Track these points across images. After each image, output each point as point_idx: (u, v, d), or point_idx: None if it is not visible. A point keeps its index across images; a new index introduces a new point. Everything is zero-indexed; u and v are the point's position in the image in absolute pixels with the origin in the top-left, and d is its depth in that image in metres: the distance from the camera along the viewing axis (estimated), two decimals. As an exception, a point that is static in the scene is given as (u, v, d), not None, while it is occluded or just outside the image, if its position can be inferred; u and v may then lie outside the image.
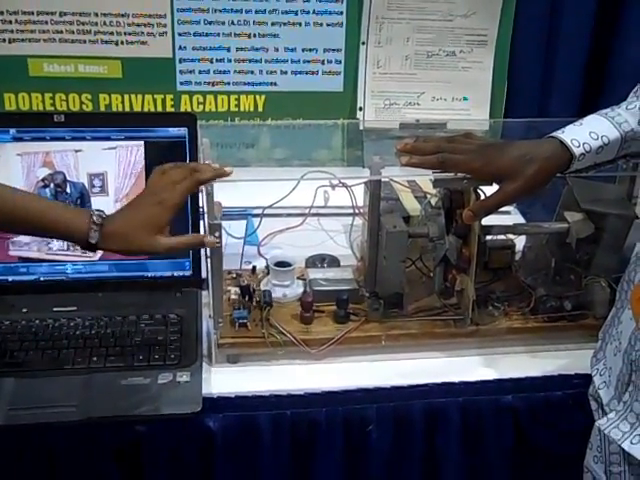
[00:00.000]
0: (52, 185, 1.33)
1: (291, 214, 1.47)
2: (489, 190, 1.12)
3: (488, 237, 1.25)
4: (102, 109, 1.61)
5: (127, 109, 1.62)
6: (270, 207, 1.39)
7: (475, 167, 1.09)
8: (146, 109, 1.62)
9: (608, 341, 1.05)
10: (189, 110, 1.63)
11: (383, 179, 1.24)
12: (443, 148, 1.11)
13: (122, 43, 1.57)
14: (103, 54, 1.57)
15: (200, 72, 1.61)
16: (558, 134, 1.06)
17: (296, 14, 1.59)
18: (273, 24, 1.59)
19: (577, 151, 1.04)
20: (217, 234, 1.13)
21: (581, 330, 1.23)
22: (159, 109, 1.62)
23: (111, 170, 1.33)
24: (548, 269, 1.26)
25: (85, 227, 1.00)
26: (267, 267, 1.30)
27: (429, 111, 1.66)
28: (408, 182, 1.44)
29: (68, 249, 1.32)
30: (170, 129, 1.32)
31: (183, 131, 1.30)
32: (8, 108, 1.59)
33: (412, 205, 1.41)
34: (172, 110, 1.63)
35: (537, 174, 1.06)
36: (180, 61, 1.60)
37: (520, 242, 1.32)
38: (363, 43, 1.63)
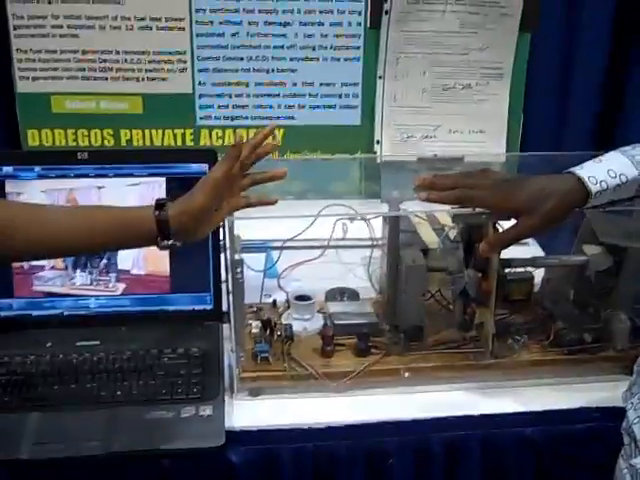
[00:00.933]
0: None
1: (309, 247, 1.48)
2: (508, 224, 1.14)
3: (507, 270, 1.26)
4: (123, 144, 1.64)
5: (148, 144, 1.64)
6: (290, 240, 1.41)
7: (493, 203, 1.10)
8: (166, 144, 1.64)
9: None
10: (208, 144, 1.66)
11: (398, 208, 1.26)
12: (461, 184, 1.12)
13: (143, 79, 1.60)
14: (124, 90, 1.61)
15: (219, 107, 1.64)
16: (576, 170, 1.07)
17: (314, 49, 1.62)
18: (291, 59, 1.62)
19: (594, 188, 1.04)
20: (239, 270, 1.15)
21: (601, 363, 1.23)
22: (179, 144, 1.65)
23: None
24: (567, 301, 1.27)
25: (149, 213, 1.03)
26: (288, 301, 1.31)
27: (446, 144, 1.67)
28: (426, 214, 1.45)
29: (91, 284, 1.34)
30: (191, 165, 1.34)
31: (204, 167, 1.32)
32: (31, 144, 1.62)
33: (430, 238, 1.41)
34: (192, 144, 1.66)
35: (554, 209, 1.06)
36: (200, 96, 1.63)
37: (539, 275, 1.33)
38: (380, 77, 1.65)
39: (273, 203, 1.13)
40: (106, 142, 1.63)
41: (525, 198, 1.08)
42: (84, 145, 1.63)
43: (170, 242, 1.04)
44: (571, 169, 1.08)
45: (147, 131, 1.64)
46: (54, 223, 1.04)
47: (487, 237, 1.15)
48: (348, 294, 1.38)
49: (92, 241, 1.05)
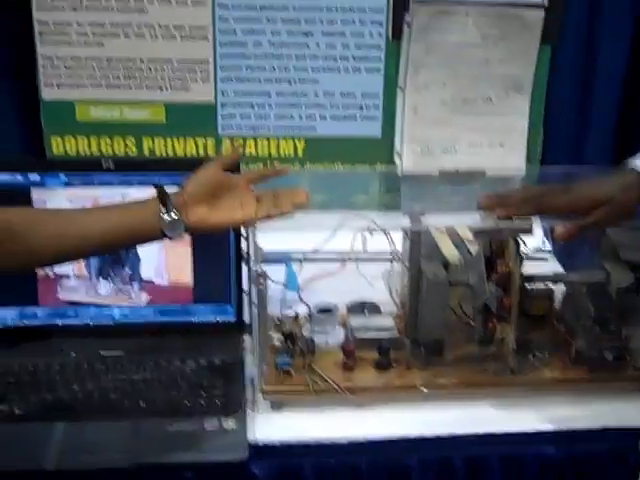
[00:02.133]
0: (99, 229, 1.36)
1: (330, 259, 1.49)
2: (528, 238, 1.17)
3: (528, 285, 1.27)
4: (146, 153, 1.65)
5: (170, 153, 1.65)
6: (311, 253, 1.42)
7: (572, 201, 1.15)
8: (188, 153, 1.65)
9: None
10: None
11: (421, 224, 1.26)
12: (530, 194, 1.17)
13: (166, 88, 1.61)
14: (147, 99, 1.61)
15: (241, 117, 1.65)
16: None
17: (335, 60, 1.62)
18: (313, 70, 1.62)
19: None
20: (261, 281, 1.15)
21: (623, 381, 1.24)
22: (201, 153, 1.66)
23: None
24: (588, 318, 1.27)
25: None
26: (310, 314, 1.32)
27: (466, 157, 1.68)
28: (446, 228, 1.45)
29: (114, 293, 1.35)
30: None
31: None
32: (55, 152, 1.63)
33: (450, 251, 1.42)
34: (214, 154, 1.66)
35: (630, 200, 1.12)
36: (222, 106, 1.63)
37: (559, 291, 1.33)
38: (401, 88, 1.65)
39: (291, 214, 1.14)
40: (129, 150, 1.64)
41: (605, 189, 1.13)
42: (107, 153, 1.64)
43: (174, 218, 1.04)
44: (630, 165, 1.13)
45: (169, 140, 1.65)
46: (56, 228, 1.04)
47: (510, 253, 1.17)
48: (369, 307, 1.39)
49: (99, 244, 1.05)
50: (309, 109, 1.65)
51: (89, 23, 1.54)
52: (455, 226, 1.43)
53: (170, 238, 1.05)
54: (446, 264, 1.35)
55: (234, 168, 1.14)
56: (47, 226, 1.03)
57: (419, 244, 1.27)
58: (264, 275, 1.17)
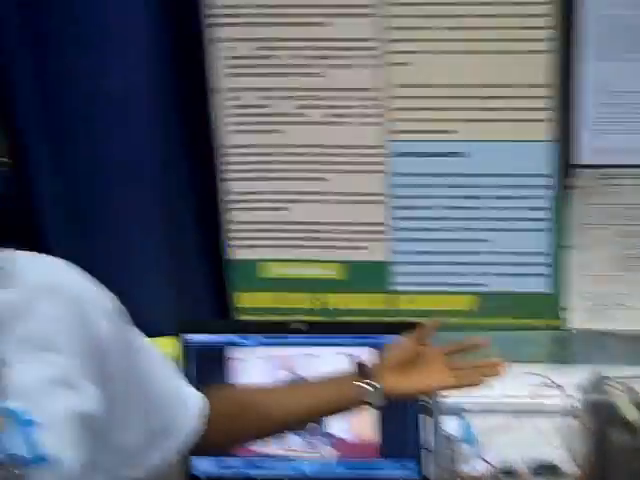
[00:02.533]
0: (290, 386, 1.45)
1: (504, 411, 1.52)
2: None
3: None
4: (322, 308, 1.75)
5: (346, 307, 1.75)
6: (486, 405, 1.46)
7: None
8: (363, 307, 1.74)
9: None
10: (402, 308, 1.75)
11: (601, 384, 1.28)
12: None
13: (344, 248, 1.72)
14: (327, 258, 1.73)
15: (414, 274, 1.73)
16: None
17: (504, 220, 1.69)
18: (483, 229, 1.70)
19: None
20: (446, 438, 1.21)
21: None
22: (374, 308, 1.75)
23: (343, 373, 1.45)
24: None
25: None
26: (493, 475, 1.34)
27: (637, 313, 1.69)
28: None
29: (303, 446, 1.42)
30: (396, 337, 1.42)
31: (408, 339, 1.40)
32: (237, 305, 1.75)
33: (630, 411, 1.42)
34: (386, 308, 1.75)
35: None
36: (396, 264, 1.73)
37: None
38: (568, 246, 1.70)
39: (483, 385, 1.19)
40: (307, 305, 1.75)
41: None
42: (286, 307, 1.75)
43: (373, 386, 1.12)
44: None
45: (344, 295, 1.75)
46: (266, 407, 1.13)
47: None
48: (549, 469, 1.40)
49: (308, 417, 1.15)
50: (479, 266, 1.72)
51: (274, 191, 1.68)
52: (635, 387, 1.44)
53: (370, 405, 1.12)
54: (629, 426, 1.36)
55: (427, 341, 1.22)
56: (258, 406, 1.14)
57: (599, 405, 1.29)
58: (449, 435, 1.22)
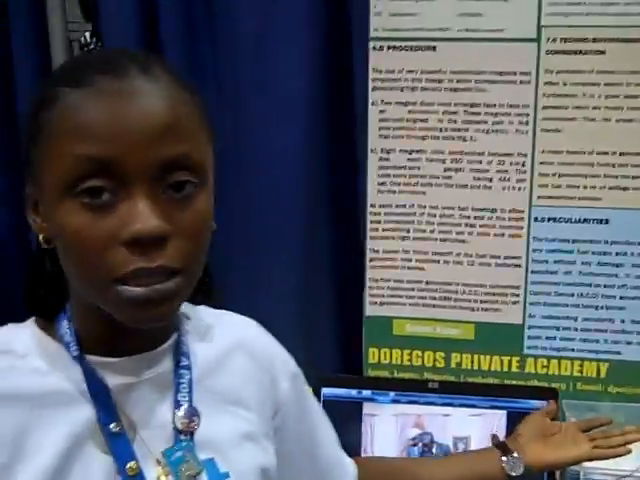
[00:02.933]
0: (420, 444, 1.47)
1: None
2: None
3: None
4: (452, 366, 1.75)
5: (475, 367, 1.75)
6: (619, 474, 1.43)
7: None
8: (493, 369, 1.74)
9: None
10: (533, 372, 1.74)
11: None
12: None
13: (477, 309, 1.73)
14: (459, 318, 1.74)
15: (547, 338, 1.72)
16: None
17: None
18: (621, 297, 1.68)
19: None
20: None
21: None
22: (504, 370, 1.74)
23: (475, 435, 1.46)
24: None
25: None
26: None
27: None
28: None
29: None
30: (532, 401, 1.42)
31: (544, 404, 1.40)
32: (370, 361, 1.78)
33: None
34: (517, 371, 1.74)
35: None
36: (529, 327, 1.72)
37: None
38: None
39: (626, 454, 1.19)
40: (437, 364, 1.76)
41: None
42: (417, 364, 1.76)
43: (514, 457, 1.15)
44: None
45: (476, 356, 1.75)
46: (425, 475, 1.17)
47: None
48: None
49: None
50: (614, 334, 1.70)
51: (414, 250, 1.71)
52: None
53: (513, 478, 1.13)
54: None
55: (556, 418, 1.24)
56: (405, 475, 1.17)
57: None
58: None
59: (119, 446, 0.85)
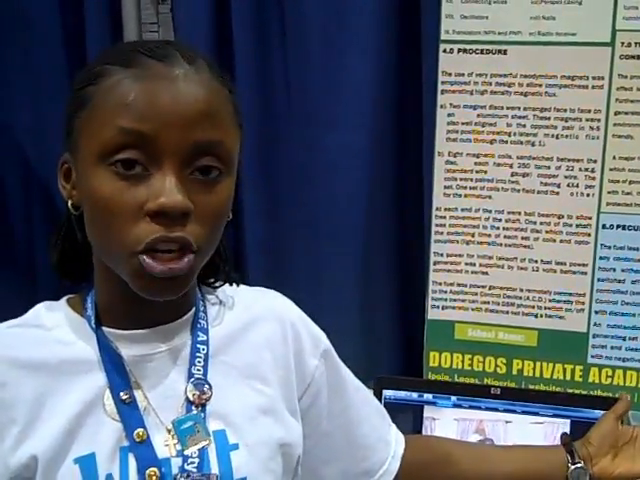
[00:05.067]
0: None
1: None
2: None
3: None
4: (514, 373, 1.73)
5: (537, 375, 1.73)
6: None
7: None
8: (555, 377, 1.72)
9: None
10: (597, 382, 1.71)
11: None
12: None
13: (541, 316, 1.71)
14: (522, 324, 1.72)
15: (612, 347, 1.70)
16: None
17: None
18: (685, 311, 1.66)
19: None
20: None
21: None
22: (567, 378, 1.72)
23: (535, 443, 1.43)
24: None
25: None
26: None
27: None
28: None
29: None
30: (595, 411, 1.40)
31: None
32: (431, 364, 1.77)
33: None
34: (580, 380, 1.72)
35: None
36: (594, 336, 1.70)
37: None
38: None
39: None
40: (498, 369, 1.74)
41: None
42: (478, 370, 1.75)
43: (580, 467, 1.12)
44: None
45: (538, 363, 1.73)
46: (469, 461, 1.15)
47: None
48: None
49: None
50: (680, 346, 1.68)
51: (478, 255, 1.70)
52: None
53: None
54: None
55: (624, 417, 1.21)
56: (461, 459, 1.15)
57: None
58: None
59: (128, 413, 0.89)
